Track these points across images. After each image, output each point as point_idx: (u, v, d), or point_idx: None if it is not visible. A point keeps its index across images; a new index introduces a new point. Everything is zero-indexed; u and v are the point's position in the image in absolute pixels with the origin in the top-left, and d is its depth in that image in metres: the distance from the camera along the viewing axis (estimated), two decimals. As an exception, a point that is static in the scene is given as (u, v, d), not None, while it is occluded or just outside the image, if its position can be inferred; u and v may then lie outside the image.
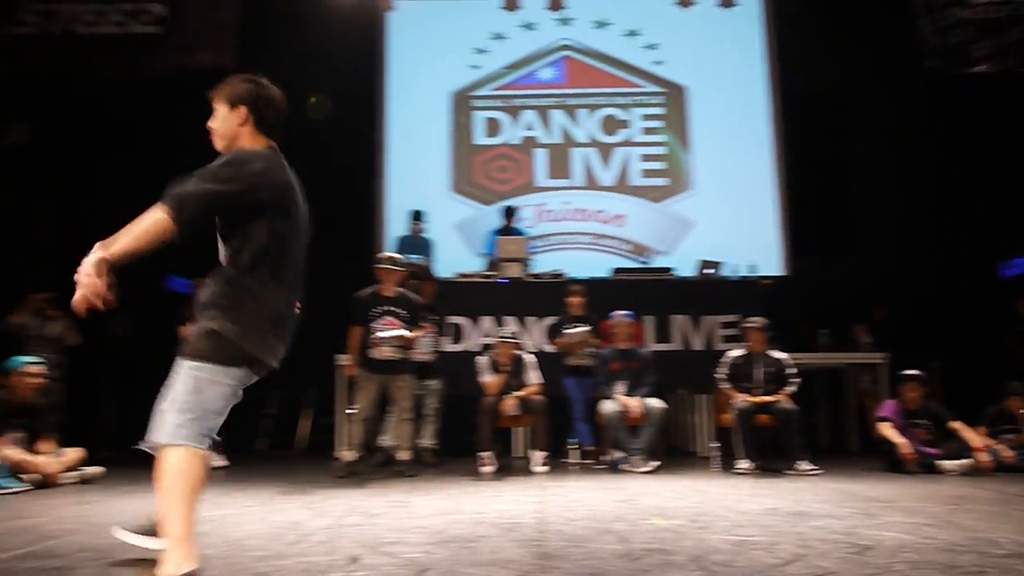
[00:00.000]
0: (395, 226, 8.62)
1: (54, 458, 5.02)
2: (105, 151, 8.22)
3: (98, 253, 2.07)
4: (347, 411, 5.60)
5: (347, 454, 5.43)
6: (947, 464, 5.44)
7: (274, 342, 2.34)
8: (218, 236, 2.34)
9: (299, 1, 8.87)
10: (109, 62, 7.68)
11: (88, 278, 2.03)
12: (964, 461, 5.44)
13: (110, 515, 3.67)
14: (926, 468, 5.43)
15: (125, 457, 6.17)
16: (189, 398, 2.17)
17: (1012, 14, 7.79)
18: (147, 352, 6.58)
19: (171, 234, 2.12)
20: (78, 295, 2.04)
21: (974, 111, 8.73)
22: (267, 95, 2.50)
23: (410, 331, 5.50)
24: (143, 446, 2.27)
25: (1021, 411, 5.88)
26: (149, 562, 2.34)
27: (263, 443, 7.64)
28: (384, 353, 5.44)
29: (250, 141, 2.44)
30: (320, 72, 9.00)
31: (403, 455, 5.48)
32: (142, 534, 2.38)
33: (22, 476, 4.76)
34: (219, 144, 2.45)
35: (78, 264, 2.07)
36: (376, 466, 5.77)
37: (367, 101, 9.27)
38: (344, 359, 5.52)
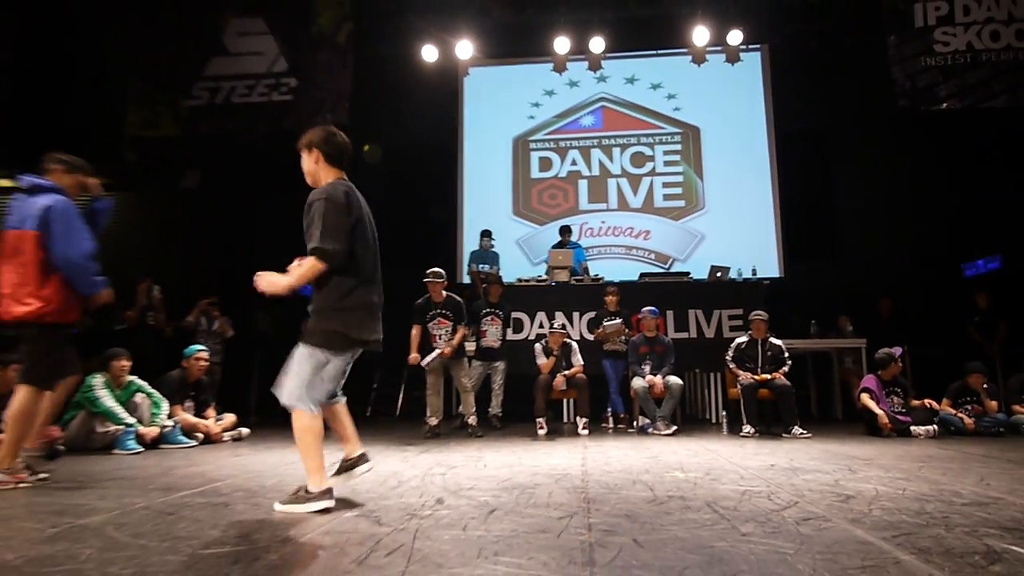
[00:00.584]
0: (470, 242, 8.71)
1: (215, 422, 5.23)
2: (256, 192, 8.55)
3: (280, 280, 2.47)
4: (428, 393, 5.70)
5: (432, 419, 5.52)
6: (917, 429, 5.23)
7: (372, 325, 2.56)
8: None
9: (396, 71, 9.04)
10: (257, 123, 7.99)
11: (268, 283, 2.48)
12: (930, 427, 5.22)
13: (257, 464, 3.83)
14: (900, 433, 5.22)
15: (267, 421, 6.44)
16: (311, 375, 2.44)
17: (972, 60, 7.41)
18: (284, 341, 6.80)
19: (322, 272, 2.44)
20: (261, 286, 2.49)
21: (938, 141, 8.37)
22: (331, 138, 2.58)
23: (453, 334, 5.63)
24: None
25: (984, 385, 5.59)
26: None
27: (370, 410, 7.81)
28: (438, 345, 5.57)
29: (325, 174, 2.57)
30: (411, 123, 9.18)
31: (471, 420, 5.56)
32: (292, 503, 2.45)
33: (195, 435, 4.97)
34: (308, 180, 2.61)
35: (238, 278, 2.27)
36: (454, 429, 5.85)
37: (448, 145, 9.41)
38: (412, 349, 5.59)
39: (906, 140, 8.66)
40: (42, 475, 3.16)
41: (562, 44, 8.65)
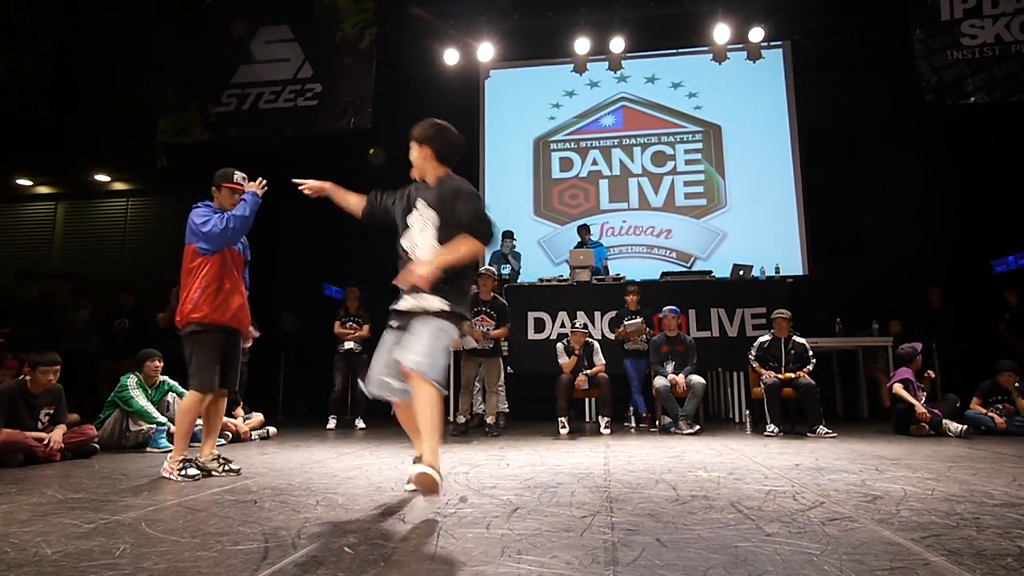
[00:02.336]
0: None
1: (243, 421, 5.30)
2: (282, 195, 8.65)
3: (436, 264, 2.39)
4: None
5: (460, 417, 5.55)
6: (948, 426, 5.12)
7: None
8: (433, 238, 2.51)
9: (418, 74, 9.09)
10: (284, 128, 8.10)
11: (427, 271, 2.38)
12: (961, 426, 5.11)
13: (284, 463, 3.87)
14: (932, 427, 5.11)
15: (294, 420, 6.51)
16: (442, 354, 2.43)
17: (1000, 53, 7.20)
18: (310, 342, 6.89)
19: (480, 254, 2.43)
20: (412, 279, 2.41)
21: (965, 136, 8.15)
22: (445, 135, 2.59)
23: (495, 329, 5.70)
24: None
25: (1016, 384, 5.44)
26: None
27: (394, 411, 7.84)
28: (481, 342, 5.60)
29: (433, 170, 2.58)
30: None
31: (490, 419, 5.57)
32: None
33: (223, 434, 5.01)
34: (415, 173, 2.63)
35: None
36: (474, 428, 5.87)
37: (469, 146, 9.36)
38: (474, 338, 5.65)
39: (932, 135, 8.45)
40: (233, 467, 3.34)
41: (582, 45, 8.62)
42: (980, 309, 7.42)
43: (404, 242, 2.60)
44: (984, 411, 5.40)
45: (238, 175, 3.48)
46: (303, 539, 1.97)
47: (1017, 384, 5.44)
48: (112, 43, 8.27)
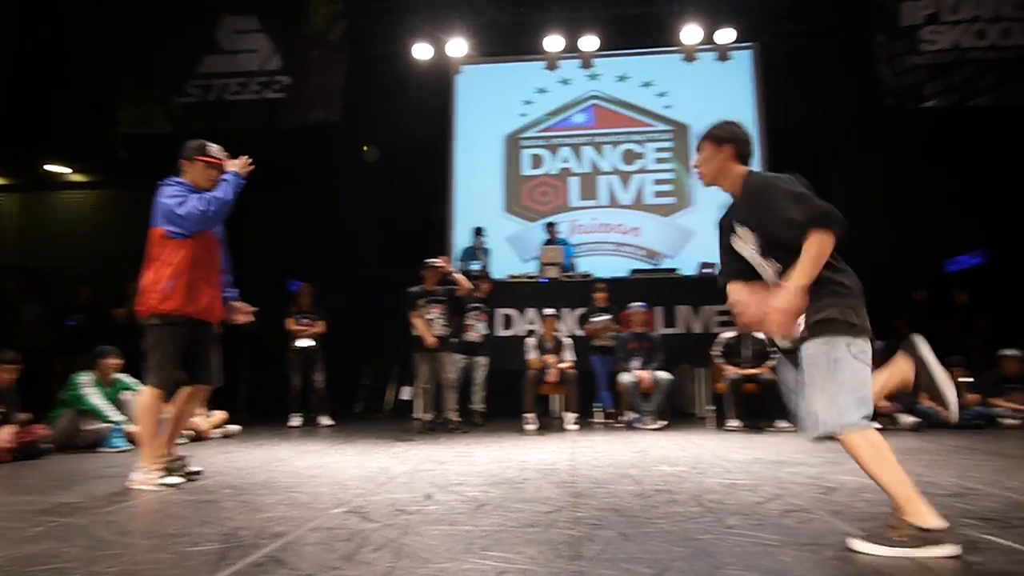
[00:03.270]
0: (461, 239, 8.70)
1: (205, 419, 5.17)
2: (247, 189, 8.48)
3: (792, 288, 1.82)
4: (421, 385, 5.71)
5: (425, 415, 5.51)
6: (903, 419, 5.30)
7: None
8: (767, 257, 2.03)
9: (389, 69, 8.99)
10: (250, 120, 7.94)
11: (779, 312, 1.84)
12: (913, 419, 5.32)
13: (246, 461, 3.81)
14: (890, 419, 5.29)
15: (257, 418, 6.40)
16: (839, 379, 1.85)
17: (958, 59, 7.45)
18: (272, 339, 6.78)
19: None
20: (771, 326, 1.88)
21: (924, 139, 8.41)
22: (741, 134, 2.22)
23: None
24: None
25: (963, 379, 5.64)
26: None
27: (359, 407, 7.78)
28: (435, 331, 5.60)
29: (732, 170, 2.17)
30: (403, 120, 9.13)
31: (454, 416, 5.56)
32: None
33: (182, 432, 4.92)
34: (706, 178, 2.22)
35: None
36: (439, 424, 5.86)
37: (440, 142, 9.37)
38: (424, 335, 5.59)
39: (893, 138, 8.68)
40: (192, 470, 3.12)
41: (554, 42, 8.63)
42: (934, 307, 7.65)
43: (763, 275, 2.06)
44: (934, 405, 5.59)
45: (214, 148, 3.19)
46: (264, 539, 1.94)
47: (964, 379, 5.64)
48: (70, 29, 7.98)
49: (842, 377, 1.82)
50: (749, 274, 2.09)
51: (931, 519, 1.75)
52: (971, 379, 5.71)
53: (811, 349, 1.87)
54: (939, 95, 7.46)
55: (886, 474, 1.85)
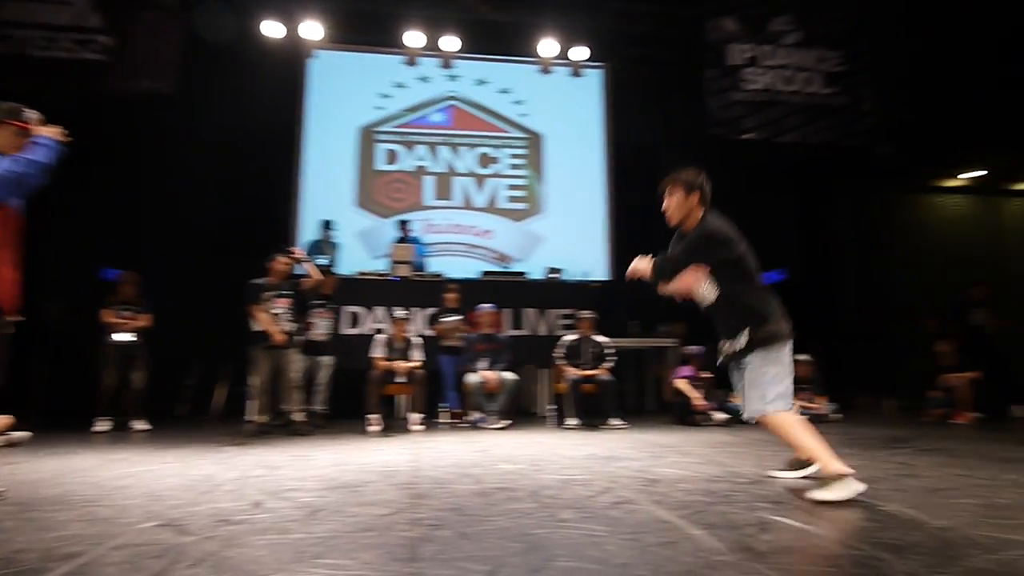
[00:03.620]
0: (308, 231, 8.28)
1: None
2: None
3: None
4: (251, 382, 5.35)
5: (259, 416, 5.15)
6: (716, 416, 5.92)
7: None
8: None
9: (235, 43, 8.33)
10: (60, 82, 6.91)
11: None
12: (724, 415, 5.96)
13: (35, 473, 3.31)
14: (706, 416, 5.86)
15: (52, 424, 5.56)
16: (770, 380, 2.67)
17: (771, 99, 8.49)
18: (75, 332, 5.99)
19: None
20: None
21: (742, 167, 9.47)
22: (705, 183, 2.84)
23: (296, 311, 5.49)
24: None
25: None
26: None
27: (183, 409, 7.08)
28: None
29: (698, 212, 2.81)
30: (248, 100, 8.50)
31: (297, 417, 5.29)
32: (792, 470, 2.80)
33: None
34: (674, 219, 2.86)
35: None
36: (278, 427, 5.54)
37: (289, 127, 8.84)
38: (271, 330, 5.23)
39: (717, 164, 9.67)
40: None
41: (414, 38, 8.54)
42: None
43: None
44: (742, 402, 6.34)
45: (29, 112, 2.82)
46: (52, 562, 1.69)
47: None
48: None
49: (768, 378, 2.61)
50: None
51: (840, 467, 2.43)
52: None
53: (752, 360, 2.66)
54: (756, 129, 8.46)
55: (802, 442, 2.56)
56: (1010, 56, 7.69)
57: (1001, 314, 7.50)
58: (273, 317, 5.26)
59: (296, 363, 5.43)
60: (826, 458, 2.48)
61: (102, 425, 5.43)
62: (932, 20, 8.20)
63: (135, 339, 5.72)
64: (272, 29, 8.00)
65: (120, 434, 5.24)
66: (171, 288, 6.88)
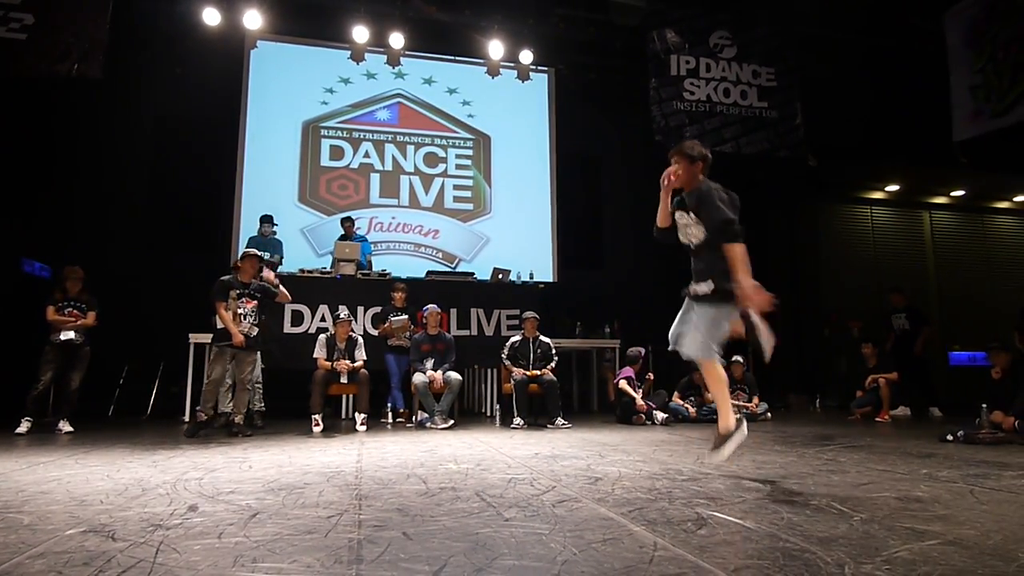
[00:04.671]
0: (248, 227, 8.01)
1: None
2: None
3: (751, 282, 2.68)
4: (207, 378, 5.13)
5: (200, 414, 4.95)
6: (657, 415, 6.06)
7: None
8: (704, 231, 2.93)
9: (171, 29, 7.97)
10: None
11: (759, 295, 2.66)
12: (666, 415, 6.11)
13: (-51, 477, 3.07)
14: (647, 416, 5.99)
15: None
16: (715, 329, 2.88)
17: (709, 110, 8.77)
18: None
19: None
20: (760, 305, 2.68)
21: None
22: (708, 154, 3.09)
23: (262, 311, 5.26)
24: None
25: (703, 381, 6.65)
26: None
27: (114, 410, 6.73)
28: (243, 328, 5.10)
29: (699, 179, 3.03)
30: (184, 90, 8.17)
31: (239, 418, 5.11)
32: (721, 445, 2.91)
33: None
34: (681, 182, 3.07)
35: None
36: (218, 428, 5.34)
37: (228, 120, 8.52)
38: (231, 331, 5.02)
39: (660, 170, 9.92)
40: None
41: (361, 33, 8.39)
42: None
43: (681, 236, 3.10)
44: (682, 403, 6.53)
45: None
46: (-36, 572, 1.58)
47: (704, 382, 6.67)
48: None
49: (714, 327, 2.89)
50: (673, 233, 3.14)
51: (733, 421, 2.92)
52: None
53: (706, 307, 2.90)
54: (696, 138, 8.71)
55: (718, 393, 2.99)
56: (925, 79, 8.21)
57: (921, 319, 8.00)
58: (237, 317, 5.07)
59: (251, 365, 5.25)
60: (727, 415, 2.94)
61: (24, 426, 5.09)
62: (856, 43, 8.68)
63: (80, 338, 5.40)
64: (210, 16, 7.70)
65: (43, 436, 4.93)
66: (101, 283, 6.54)
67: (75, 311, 5.46)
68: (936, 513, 2.22)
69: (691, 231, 3.03)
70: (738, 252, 2.74)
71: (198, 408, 5.01)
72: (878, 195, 10.94)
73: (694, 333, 2.93)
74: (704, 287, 2.89)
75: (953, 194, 11.12)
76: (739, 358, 7.01)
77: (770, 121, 8.88)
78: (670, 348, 3.07)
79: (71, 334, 5.35)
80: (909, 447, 4.22)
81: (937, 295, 10.87)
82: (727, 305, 2.83)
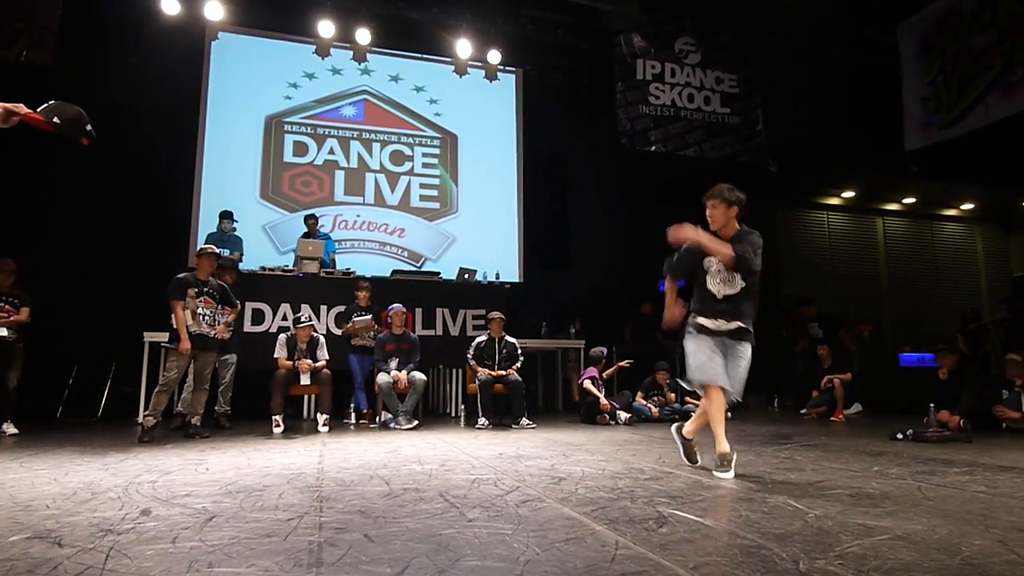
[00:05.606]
0: (206, 223, 7.80)
1: None
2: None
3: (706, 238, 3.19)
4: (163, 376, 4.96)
5: (148, 419, 4.79)
6: (620, 415, 6.12)
7: None
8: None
9: (128, 17, 7.72)
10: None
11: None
12: (628, 414, 6.18)
13: None
14: (612, 417, 6.05)
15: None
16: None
17: (674, 115, 8.92)
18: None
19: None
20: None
21: (648, 175, 9.89)
22: (744, 199, 3.25)
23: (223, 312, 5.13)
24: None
25: (667, 381, 6.75)
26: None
27: (62, 411, 6.46)
28: (202, 328, 4.95)
29: (735, 223, 3.25)
30: (142, 80, 7.90)
31: (196, 420, 4.97)
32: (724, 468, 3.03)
33: None
34: (717, 225, 3.25)
35: None
36: (174, 430, 5.18)
37: (187, 112, 8.27)
38: (181, 335, 4.85)
39: (625, 172, 10.08)
40: None
41: (327, 28, 8.28)
42: (658, 321, 9.01)
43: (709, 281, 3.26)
44: (645, 403, 6.61)
45: None
46: None
47: (667, 381, 6.77)
48: None
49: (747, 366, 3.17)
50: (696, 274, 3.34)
51: (727, 445, 3.08)
52: (671, 381, 6.85)
53: (745, 348, 3.17)
54: (660, 142, 8.86)
55: (721, 419, 3.13)
56: (880, 89, 8.51)
57: (835, 325, 8.34)
58: (194, 316, 4.91)
59: (210, 365, 5.11)
60: (723, 440, 3.11)
61: (-39, 430, 4.86)
62: (815, 53, 8.93)
63: (13, 335, 5.17)
64: (169, 5, 7.48)
65: (-18, 440, 4.72)
66: (51, 279, 6.31)
67: (7, 307, 5.22)
68: (886, 509, 2.30)
69: (723, 275, 3.22)
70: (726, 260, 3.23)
71: (146, 413, 4.82)
72: (835, 201, 11.28)
73: (742, 376, 3.15)
74: (732, 325, 3.17)
75: (905, 201, 11.55)
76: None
77: (732, 127, 9.08)
78: (731, 392, 3.15)
79: (3, 331, 5.12)
80: (862, 445, 4.36)
81: (889, 298, 11.27)
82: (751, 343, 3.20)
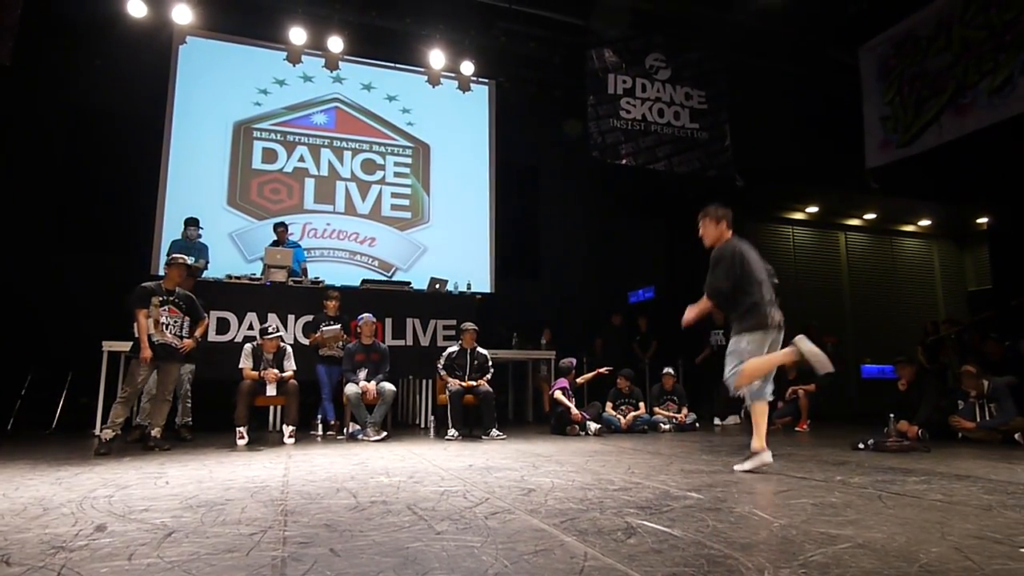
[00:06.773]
0: (171, 230, 7.63)
1: None
2: None
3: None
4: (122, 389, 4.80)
5: (107, 432, 4.63)
6: (591, 426, 6.14)
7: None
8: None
9: (92, 19, 7.54)
10: None
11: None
12: (598, 425, 6.20)
13: None
14: (582, 428, 6.06)
15: None
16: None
17: (644, 129, 9.05)
18: None
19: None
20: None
21: (619, 188, 10.01)
22: (730, 213, 3.83)
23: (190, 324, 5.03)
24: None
25: (627, 387, 6.76)
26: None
27: (13, 423, 6.19)
28: (166, 338, 4.82)
29: (725, 234, 3.80)
30: (106, 83, 7.73)
31: (156, 432, 4.83)
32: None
33: None
34: (710, 240, 3.82)
35: None
36: (132, 442, 5.03)
37: (152, 117, 8.11)
38: (142, 344, 4.70)
39: (596, 185, 10.20)
40: None
41: (298, 35, 8.21)
42: (627, 331, 9.10)
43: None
44: (614, 413, 6.64)
45: None
46: None
47: (628, 387, 6.78)
48: None
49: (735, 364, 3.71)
50: None
51: (763, 443, 3.61)
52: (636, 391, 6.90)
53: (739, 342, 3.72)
54: (631, 155, 8.98)
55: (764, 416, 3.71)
56: (842, 108, 8.78)
57: (832, 334, 8.49)
58: (157, 325, 4.77)
59: (175, 376, 4.97)
60: (761, 436, 3.65)
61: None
62: (781, 71, 9.18)
63: None
64: (136, 8, 7.34)
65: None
66: (5, 285, 6.09)
67: None
68: (848, 518, 2.35)
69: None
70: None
71: (104, 426, 4.66)
72: (799, 216, 11.56)
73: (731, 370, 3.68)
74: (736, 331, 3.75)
75: (866, 217, 11.89)
76: (670, 369, 7.21)
77: (701, 142, 9.25)
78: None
79: None
80: (825, 455, 4.45)
81: (851, 311, 11.56)
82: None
